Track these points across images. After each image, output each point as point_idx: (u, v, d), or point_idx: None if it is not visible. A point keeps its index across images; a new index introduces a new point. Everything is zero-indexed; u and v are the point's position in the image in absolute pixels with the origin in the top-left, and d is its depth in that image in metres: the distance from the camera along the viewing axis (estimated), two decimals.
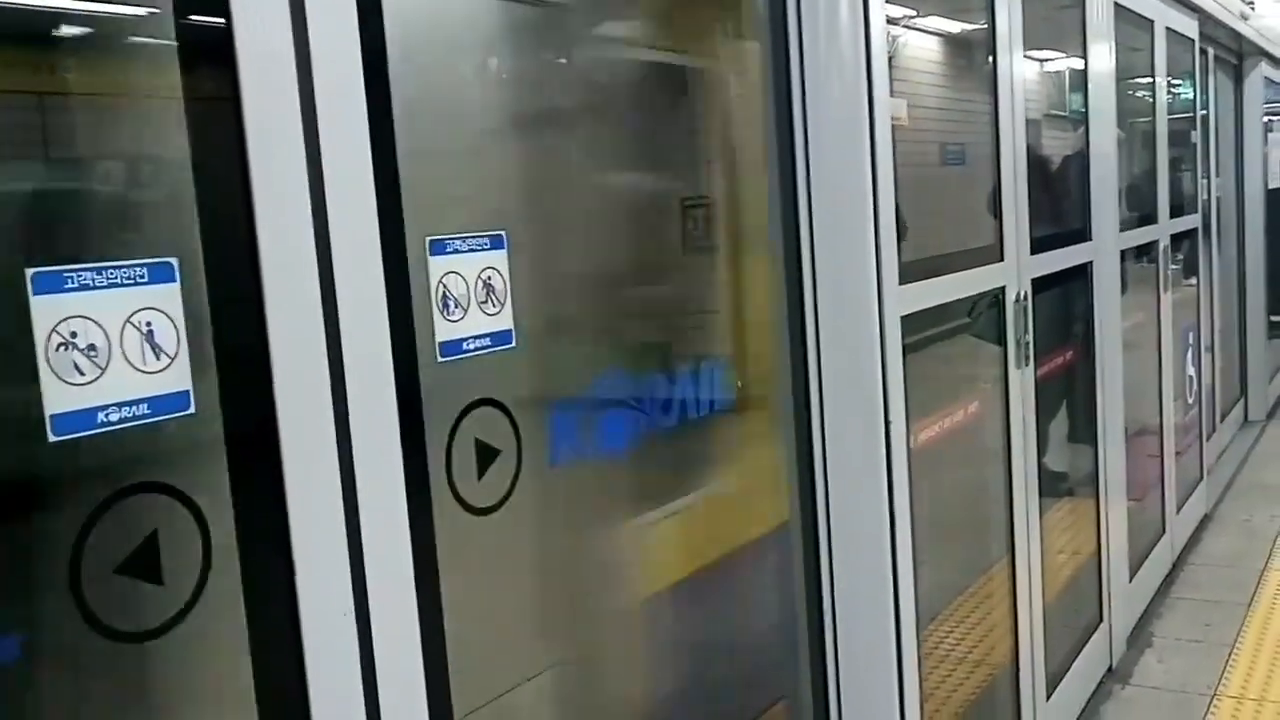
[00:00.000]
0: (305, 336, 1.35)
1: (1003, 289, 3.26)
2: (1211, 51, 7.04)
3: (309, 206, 1.35)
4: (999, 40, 3.30)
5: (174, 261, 1.23)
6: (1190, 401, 6.11)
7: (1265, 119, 8.34)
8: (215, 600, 1.30)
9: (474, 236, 1.64)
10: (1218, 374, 7.32)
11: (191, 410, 1.24)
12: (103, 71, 1.40)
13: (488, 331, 1.66)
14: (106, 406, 1.17)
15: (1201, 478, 6.17)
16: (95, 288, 1.16)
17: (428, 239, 1.56)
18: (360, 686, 1.41)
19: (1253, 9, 7.20)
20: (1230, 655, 4.37)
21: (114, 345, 1.18)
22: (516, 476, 1.77)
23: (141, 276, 1.20)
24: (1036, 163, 3.72)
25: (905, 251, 2.59)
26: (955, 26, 3.66)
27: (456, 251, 1.61)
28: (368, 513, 1.41)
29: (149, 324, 1.20)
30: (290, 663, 1.34)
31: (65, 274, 1.14)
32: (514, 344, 1.70)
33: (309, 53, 1.35)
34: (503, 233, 1.69)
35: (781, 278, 2.51)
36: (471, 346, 1.63)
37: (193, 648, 1.32)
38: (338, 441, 1.38)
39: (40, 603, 1.25)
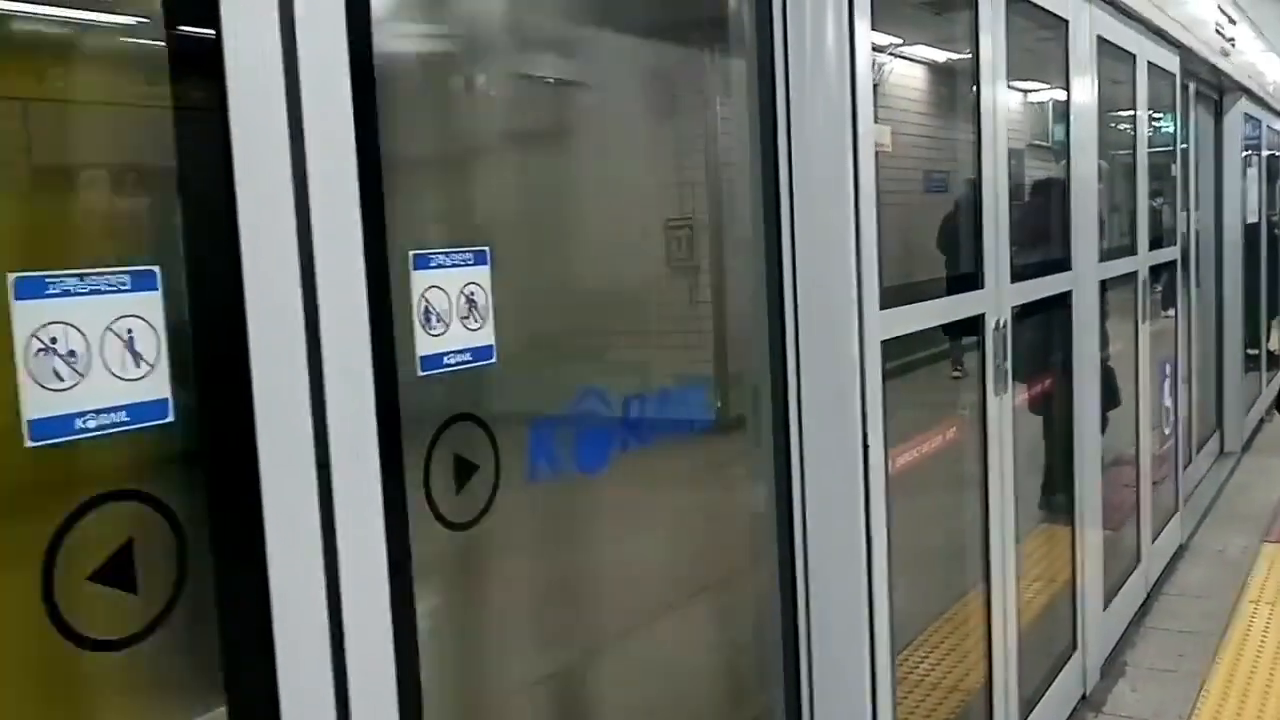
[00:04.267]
0: (286, 347, 1.35)
1: (982, 316, 3.28)
2: (1193, 86, 7.12)
3: (293, 218, 1.36)
4: (982, 70, 3.33)
5: (156, 269, 1.23)
6: (1167, 432, 6.15)
7: (1244, 154, 8.44)
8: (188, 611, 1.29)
9: (457, 251, 1.65)
10: (1194, 405, 7.37)
11: (170, 418, 1.24)
12: (90, 79, 1.40)
13: (469, 347, 1.66)
14: (84, 413, 1.17)
15: (1177, 508, 6.20)
16: (77, 294, 1.16)
17: (411, 253, 1.57)
18: (333, 702, 1.41)
19: (1233, 45, 7.29)
20: (1203, 686, 4.39)
21: (94, 352, 1.18)
22: (494, 492, 1.77)
23: (123, 284, 1.20)
24: (1018, 192, 3.75)
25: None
26: (939, 55, 3.70)
27: (440, 266, 1.61)
28: (344, 526, 1.41)
29: (130, 331, 1.21)
30: (263, 678, 1.33)
31: (47, 279, 1.14)
32: (494, 359, 1.70)
33: (296, 65, 1.36)
34: (486, 248, 1.69)
35: (763, 300, 2.52)
36: (452, 361, 1.64)
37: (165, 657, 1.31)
38: (316, 454, 1.38)
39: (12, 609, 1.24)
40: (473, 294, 1.66)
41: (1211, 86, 7.76)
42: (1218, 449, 8.19)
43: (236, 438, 1.30)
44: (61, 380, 1.15)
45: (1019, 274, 3.55)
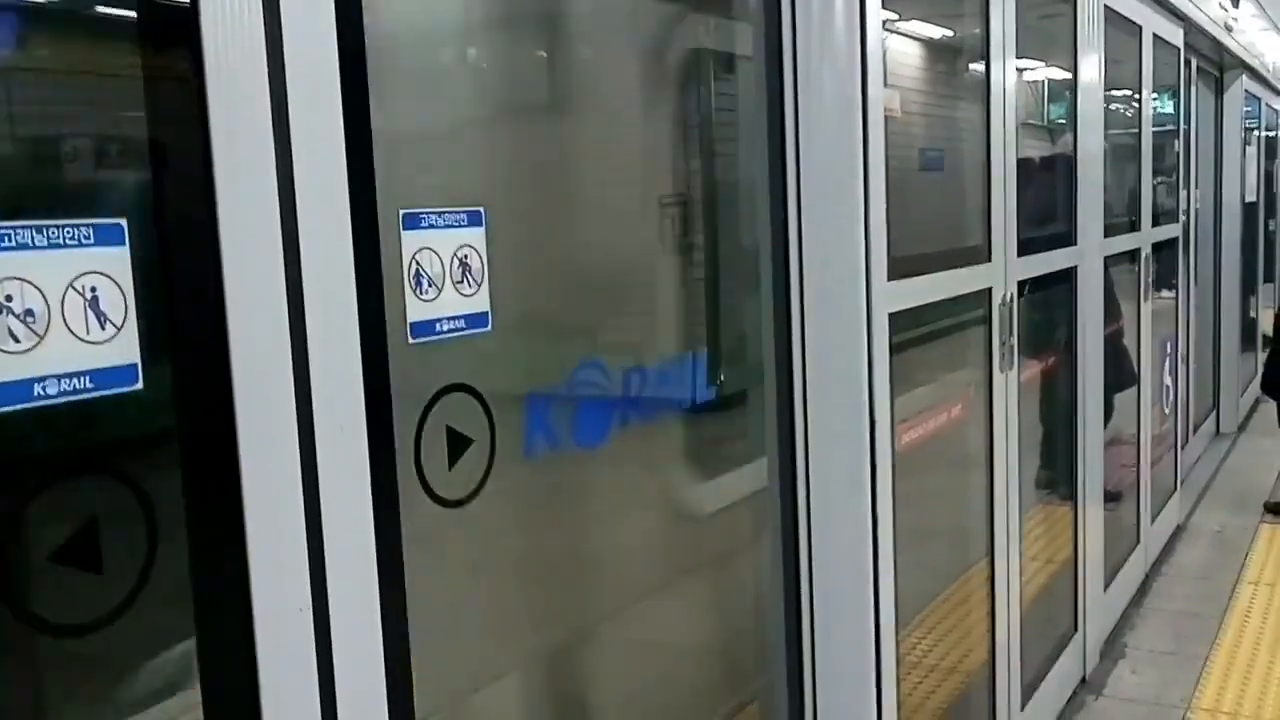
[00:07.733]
0: (266, 313, 1.25)
1: (989, 290, 3.20)
2: (1194, 62, 7.03)
3: (274, 175, 1.25)
4: (992, 45, 3.24)
5: (123, 223, 1.13)
6: (1167, 411, 6.08)
7: (1243, 132, 8.35)
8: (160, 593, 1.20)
9: (450, 212, 1.55)
10: (1192, 385, 7.31)
11: (139, 385, 1.14)
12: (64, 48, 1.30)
13: (463, 313, 1.56)
14: (44, 378, 1.07)
15: (1175, 488, 6.15)
16: (35, 247, 1.06)
17: (401, 212, 1.47)
18: (316, 687, 1.32)
19: (1236, 22, 7.19)
20: (1204, 668, 4.34)
21: (54, 311, 1.08)
22: (489, 468, 1.68)
23: (87, 237, 1.10)
24: (1025, 167, 3.66)
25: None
26: (948, 31, 3.60)
27: (432, 227, 1.52)
28: (329, 502, 1.32)
29: (94, 290, 1.10)
30: (241, 661, 1.24)
31: (1, 231, 1.04)
32: (489, 327, 1.61)
33: (280, 19, 1.25)
34: (480, 209, 1.59)
35: (769, 270, 2.43)
36: (445, 328, 1.54)
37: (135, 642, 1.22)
38: (299, 426, 1.29)
39: None
40: (466, 257, 1.57)
41: (1213, 63, 7.67)
42: (1214, 429, 8.13)
43: (213, 408, 1.21)
44: (18, 342, 1.05)
45: (1025, 248, 3.47)
